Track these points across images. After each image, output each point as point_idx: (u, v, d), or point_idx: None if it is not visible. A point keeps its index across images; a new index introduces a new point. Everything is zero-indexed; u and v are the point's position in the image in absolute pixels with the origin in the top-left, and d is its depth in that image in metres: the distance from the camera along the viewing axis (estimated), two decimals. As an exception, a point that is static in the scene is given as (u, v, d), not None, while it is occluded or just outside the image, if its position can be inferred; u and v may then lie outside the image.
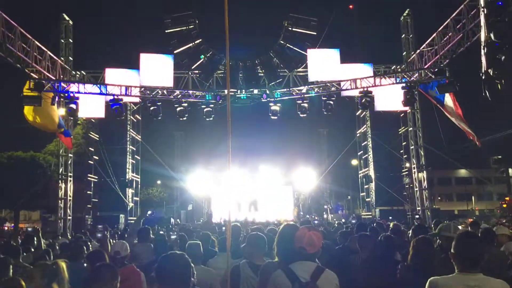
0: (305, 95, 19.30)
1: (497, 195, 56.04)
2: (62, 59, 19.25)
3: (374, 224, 9.48)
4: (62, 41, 19.57)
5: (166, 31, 18.98)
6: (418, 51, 18.88)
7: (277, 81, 19.68)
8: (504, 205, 36.49)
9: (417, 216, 20.69)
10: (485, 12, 12.37)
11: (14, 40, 15.00)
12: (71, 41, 19.97)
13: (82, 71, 20.21)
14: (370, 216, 22.76)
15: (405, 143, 22.03)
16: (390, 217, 21.67)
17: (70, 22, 20.05)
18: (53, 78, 17.80)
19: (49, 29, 20.05)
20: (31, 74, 16.91)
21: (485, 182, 50.12)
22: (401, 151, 22.61)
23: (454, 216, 42.02)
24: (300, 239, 3.54)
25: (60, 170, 19.71)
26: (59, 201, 19.35)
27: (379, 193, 23.15)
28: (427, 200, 21.28)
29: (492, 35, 11.96)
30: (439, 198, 61.45)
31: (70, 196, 19.66)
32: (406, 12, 20.32)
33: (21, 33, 15.47)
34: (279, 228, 4.03)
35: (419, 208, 20.94)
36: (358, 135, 24.78)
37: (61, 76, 18.70)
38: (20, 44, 15.49)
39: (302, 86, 19.53)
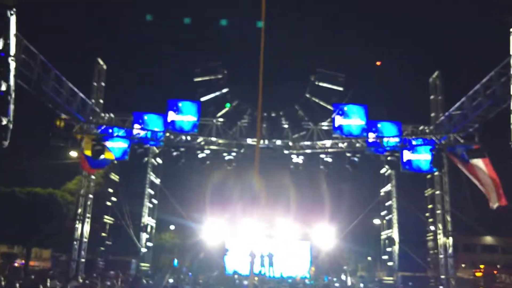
0: (329, 150, 19.11)
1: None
2: (93, 101, 19.69)
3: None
4: (95, 84, 20.11)
5: (194, 79, 19.42)
6: (447, 113, 18.61)
7: (301, 133, 19.63)
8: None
9: (441, 287, 19.53)
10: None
11: (48, 80, 15.43)
12: (103, 84, 20.51)
13: (111, 114, 20.49)
14: (391, 282, 21.54)
15: (431, 206, 21.17)
16: (410, 283, 20.57)
17: (104, 66, 20.71)
18: (83, 119, 18.13)
19: (84, 72, 20.74)
20: (62, 114, 17.26)
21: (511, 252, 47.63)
22: (427, 214, 21.67)
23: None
24: None
25: (79, 210, 19.55)
26: (74, 242, 19.05)
27: (402, 257, 21.99)
28: (452, 267, 20.12)
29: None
30: (463, 265, 58.38)
31: (86, 238, 19.36)
32: (436, 74, 20.30)
33: (55, 75, 15.94)
34: None
35: (443, 276, 19.79)
36: (382, 194, 24.02)
37: (91, 118, 19.04)
38: (54, 85, 15.92)
39: (326, 140, 19.39)
